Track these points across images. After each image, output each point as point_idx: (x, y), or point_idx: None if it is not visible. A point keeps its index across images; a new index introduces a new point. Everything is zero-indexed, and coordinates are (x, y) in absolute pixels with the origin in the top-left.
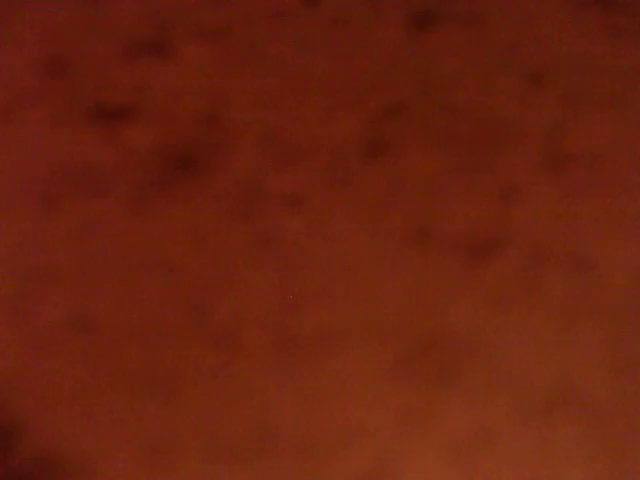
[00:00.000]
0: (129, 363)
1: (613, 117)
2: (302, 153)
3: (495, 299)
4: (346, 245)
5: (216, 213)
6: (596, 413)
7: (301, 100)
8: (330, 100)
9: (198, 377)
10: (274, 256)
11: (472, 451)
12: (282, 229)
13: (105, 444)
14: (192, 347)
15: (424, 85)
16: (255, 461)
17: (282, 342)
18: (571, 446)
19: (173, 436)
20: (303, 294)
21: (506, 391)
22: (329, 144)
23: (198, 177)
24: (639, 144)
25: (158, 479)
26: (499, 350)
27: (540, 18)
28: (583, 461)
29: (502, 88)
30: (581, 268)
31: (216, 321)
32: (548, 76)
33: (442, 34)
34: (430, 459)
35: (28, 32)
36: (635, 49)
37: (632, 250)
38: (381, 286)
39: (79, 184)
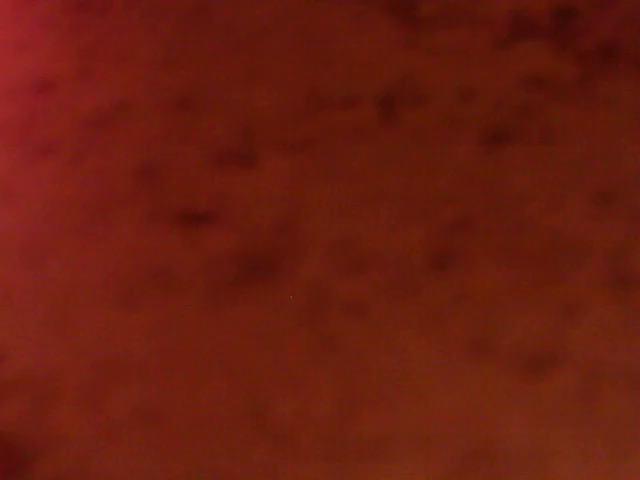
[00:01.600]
0: (188, 457)
1: None
2: (369, 262)
3: (549, 415)
4: (405, 354)
5: (283, 317)
6: None
7: (372, 211)
8: (400, 212)
9: (251, 475)
10: (335, 361)
11: None
12: (345, 336)
13: None
14: (250, 445)
15: (493, 200)
16: None
17: (335, 447)
18: None
19: None
20: (361, 401)
21: None
22: (396, 254)
23: (269, 282)
24: None
25: None
26: (549, 467)
27: (610, 138)
28: None
29: (570, 206)
30: (637, 387)
31: (275, 422)
32: (617, 195)
33: (514, 151)
34: None
35: (124, 139)
36: None
37: None
38: (436, 397)
39: (159, 282)
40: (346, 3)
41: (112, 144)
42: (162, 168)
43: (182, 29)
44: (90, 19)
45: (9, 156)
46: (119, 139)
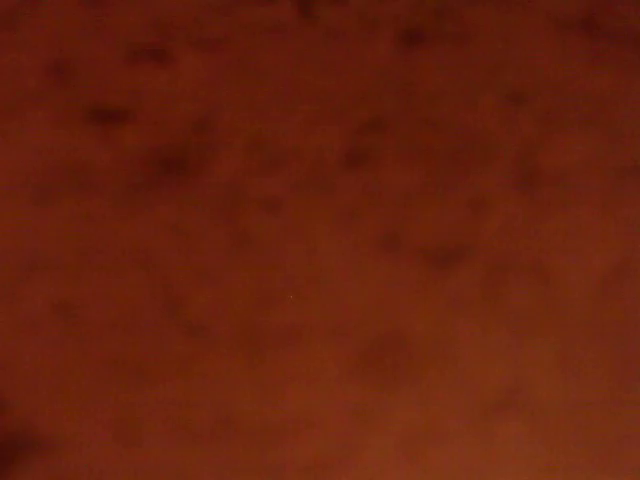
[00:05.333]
0: (106, 348)
1: (586, 137)
2: (284, 160)
3: (454, 305)
4: (318, 248)
5: (199, 213)
6: (542, 414)
7: (288, 110)
8: (315, 111)
9: (168, 365)
10: (250, 256)
11: (421, 447)
12: (260, 231)
13: (79, 422)
14: (165, 336)
15: (407, 100)
16: (214, 443)
17: (249, 337)
18: (516, 444)
19: (142, 417)
20: (273, 293)
21: (458, 391)
22: (310, 153)
23: (185, 179)
24: (607, 163)
25: (125, 454)
26: (454, 353)
27: (525, 40)
28: (526, 458)
29: (482, 106)
30: (540, 279)
31: (190, 314)
32: (527, 96)
33: (429, 52)
34: (379, 454)
35: (35, 36)
36: (614, 73)
37: (591, 264)
38: (347, 288)
39: (72, 181)
40: None
41: (22, 41)
42: (75, 65)
43: None
44: None
45: None
46: (29, 36)
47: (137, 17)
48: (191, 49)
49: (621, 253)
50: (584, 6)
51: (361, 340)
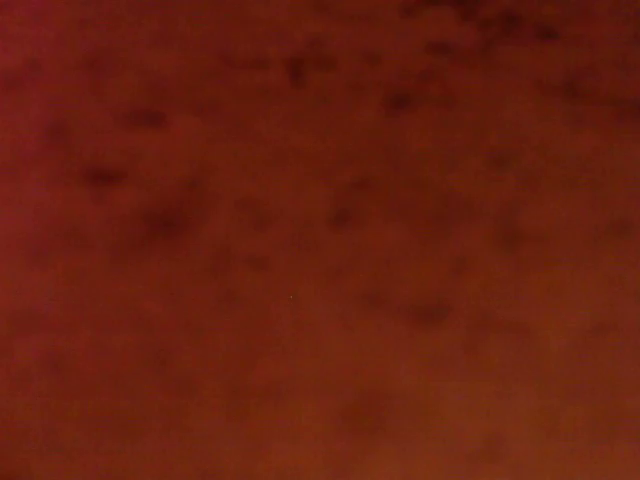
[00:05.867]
0: (93, 403)
1: (567, 198)
2: (273, 219)
3: (435, 361)
4: (304, 305)
5: (188, 271)
6: (521, 468)
7: (276, 171)
8: (303, 171)
9: (154, 419)
10: (238, 312)
11: None
12: (247, 288)
13: (66, 473)
14: (152, 392)
15: (392, 161)
16: None
17: (234, 392)
18: None
19: (127, 469)
20: (260, 349)
21: (439, 445)
22: (297, 212)
23: (175, 238)
24: (588, 223)
25: None
26: (434, 407)
27: (509, 103)
28: None
29: (465, 167)
30: (520, 336)
31: (177, 369)
32: (510, 158)
33: (415, 115)
34: None
35: (34, 98)
36: (593, 136)
37: (570, 321)
38: (331, 345)
39: (66, 239)
40: None
41: (22, 103)
42: (71, 127)
43: None
44: None
45: None
46: (29, 98)
47: (133, 82)
48: (184, 112)
49: (601, 311)
50: (566, 71)
51: (345, 396)
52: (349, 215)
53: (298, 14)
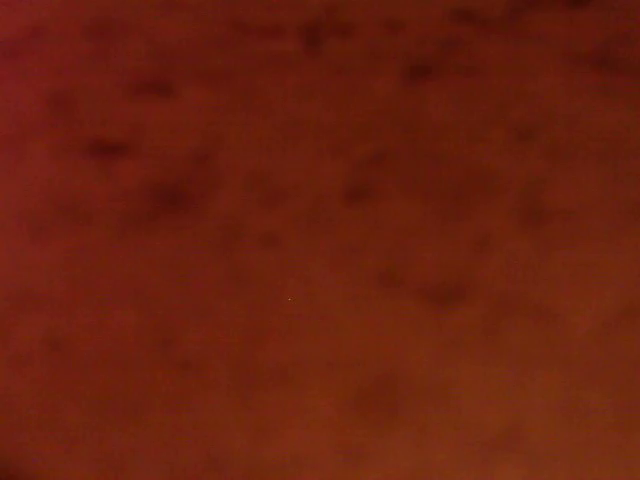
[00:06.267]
0: (96, 384)
1: (594, 174)
2: (285, 195)
3: (453, 344)
4: (316, 285)
5: (196, 248)
6: (539, 457)
7: (290, 145)
8: (318, 146)
9: (159, 402)
10: (246, 292)
11: None
12: (258, 267)
13: (66, 457)
14: (157, 374)
15: (412, 134)
16: None
17: (242, 375)
18: None
19: (130, 455)
20: (269, 330)
21: (455, 432)
22: (312, 188)
23: (183, 213)
24: (615, 201)
25: None
26: (451, 392)
27: (536, 74)
28: None
29: (489, 141)
30: (543, 318)
31: (182, 351)
32: (536, 131)
33: (436, 86)
34: None
35: (36, 67)
36: (625, 108)
37: (594, 303)
38: (345, 326)
39: (69, 213)
40: None
41: (24, 72)
42: (75, 97)
43: None
44: None
45: None
46: (31, 67)
47: (139, 50)
48: (193, 82)
49: (628, 294)
50: (597, 40)
51: (358, 379)
52: (365, 191)
53: None
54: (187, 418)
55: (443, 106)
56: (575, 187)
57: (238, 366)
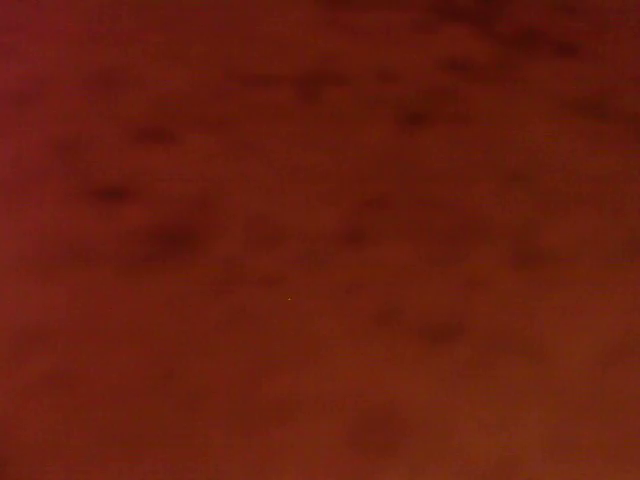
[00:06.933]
0: (99, 418)
1: (585, 217)
2: (283, 238)
3: (448, 381)
4: (314, 324)
5: (197, 287)
6: None
7: (288, 189)
8: (316, 190)
9: (162, 436)
10: (246, 330)
11: None
12: (257, 306)
13: None
14: (159, 409)
15: (406, 180)
16: None
17: (242, 411)
18: None
19: None
20: (268, 367)
21: (449, 464)
22: (310, 231)
23: (184, 256)
24: (606, 242)
25: None
26: (446, 427)
27: (527, 120)
28: None
29: (481, 186)
30: (535, 356)
31: (183, 387)
32: (527, 176)
33: (430, 133)
34: None
35: (42, 116)
36: (613, 154)
37: (585, 343)
38: (342, 364)
39: (74, 256)
40: None
41: (30, 121)
42: (79, 144)
43: (104, 7)
44: None
45: None
46: (37, 116)
47: (140, 99)
48: (193, 130)
49: (620, 333)
50: (586, 89)
51: (355, 415)
52: (362, 233)
53: (310, 30)
54: (188, 453)
55: (436, 153)
56: (564, 232)
57: (238, 402)
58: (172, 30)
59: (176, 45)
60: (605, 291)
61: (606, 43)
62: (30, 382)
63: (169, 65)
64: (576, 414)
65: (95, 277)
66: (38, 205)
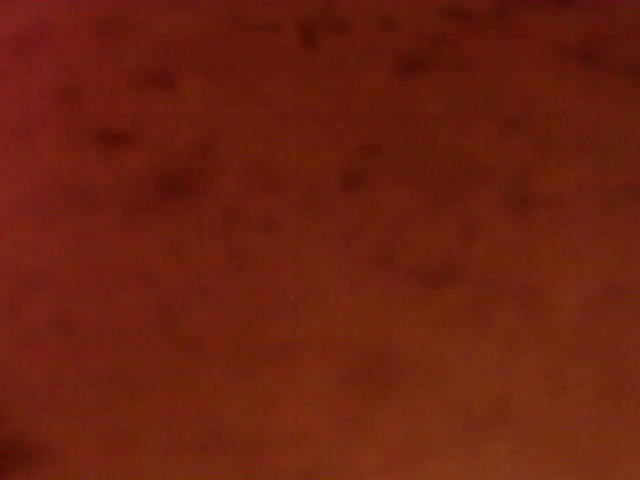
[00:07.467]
0: (102, 361)
1: (579, 162)
2: (282, 182)
3: (443, 324)
4: (312, 267)
5: (197, 232)
6: (529, 432)
7: (287, 134)
8: (315, 135)
9: (163, 378)
10: (246, 274)
11: (407, 459)
12: (256, 250)
13: (74, 431)
14: (161, 351)
15: (404, 126)
16: (206, 454)
17: (242, 352)
18: (500, 461)
19: (135, 428)
20: (267, 309)
21: (445, 407)
22: (308, 176)
23: (184, 199)
24: (600, 186)
25: (118, 464)
26: (442, 369)
27: (523, 68)
28: (512, 475)
29: (479, 132)
30: (530, 300)
31: (185, 329)
32: (523, 122)
33: (428, 80)
34: (366, 464)
35: (45, 62)
36: (607, 102)
37: (580, 286)
38: (339, 307)
39: (75, 200)
40: None
41: (33, 66)
42: (82, 90)
43: None
44: None
45: None
46: (40, 61)
47: (142, 45)
48: (194, 75)
49: (613, 275)
50: (582, 37)
51: (352, 357)
52: (360, 179)
53: None
54: (190, 394)
55: (434, 99)
56: (559, 176)
57: (238, 344)
58: None
59: None
60: (601, 235)
61: None
62: (29, 327)
63: (170, 11)
64: (570, 355)
65: (96, 221)
66: (39, 149)
